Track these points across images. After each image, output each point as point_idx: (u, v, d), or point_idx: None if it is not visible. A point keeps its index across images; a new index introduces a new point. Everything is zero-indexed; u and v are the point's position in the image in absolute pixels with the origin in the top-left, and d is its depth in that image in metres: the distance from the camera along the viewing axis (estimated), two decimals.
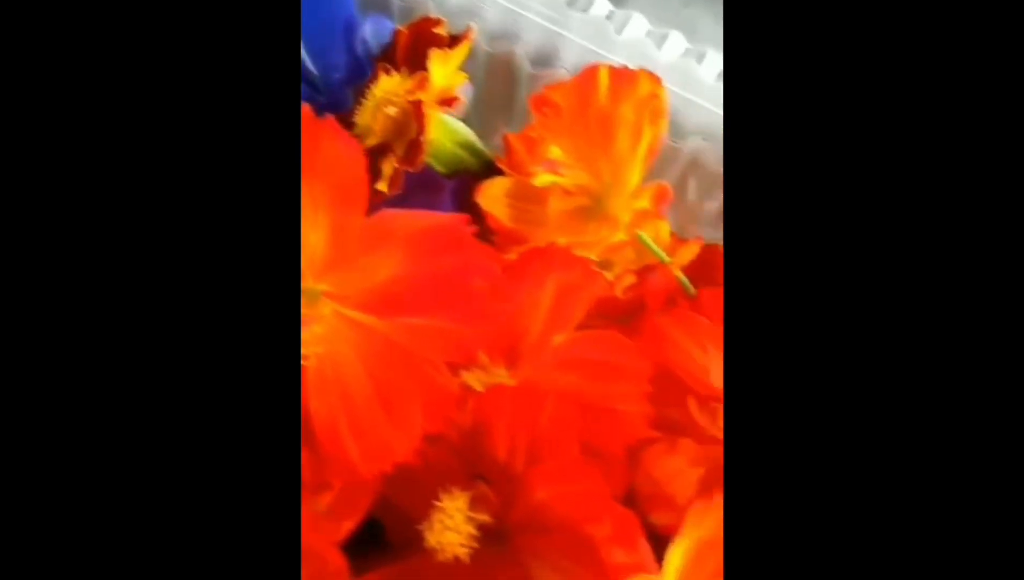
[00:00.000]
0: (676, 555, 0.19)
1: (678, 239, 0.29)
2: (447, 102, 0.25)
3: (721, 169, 0.27)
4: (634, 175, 0.24)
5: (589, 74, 0.25)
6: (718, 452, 0.24)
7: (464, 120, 0.28)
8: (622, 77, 0.24)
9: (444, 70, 0.25)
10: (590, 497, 0.20)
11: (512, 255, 0.23)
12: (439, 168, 0.27)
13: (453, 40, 0.26)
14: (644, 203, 0.23)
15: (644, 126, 0.24)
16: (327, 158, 0.21)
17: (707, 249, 0.29)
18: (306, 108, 0.20)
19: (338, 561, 0.22)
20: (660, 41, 0.30)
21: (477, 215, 0.26)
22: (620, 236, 0.22)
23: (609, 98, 0.24)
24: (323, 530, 0.23)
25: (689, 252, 0.29)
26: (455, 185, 0.26)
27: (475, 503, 0.22)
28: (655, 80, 0.24)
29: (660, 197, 0.23)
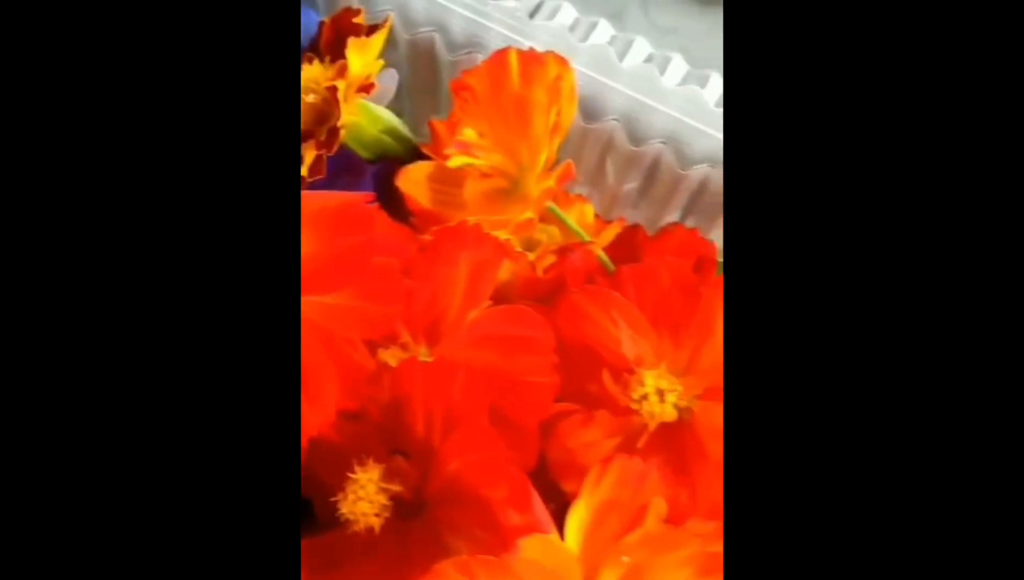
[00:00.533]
0: (576, 517, 0.20)
1: (602, 221, 0.30)
2: (365, 88, 0.25)
3: (634, 149, 0.28)
4: (545, 156, 0.24)
5: (500, 58, 0.25)
6: (632, 422, 0.24)
7: (394, 108, 0.29)
8: (532, 60, 0.25)
9: (362, 58, 0.26)
10: (490, 464, 0.21)
11: (428, 236, 0.24)
12: (363, 153, 0.27)
13: (371, 29, 0.26)
14: (551, 182, 0.23)
15: (556, 108, 0.25)
16: None
17: (628, 229, 0.30)
18: None
19: None
20: (588, 30, 0.30)
21: (398, 198, 0.26)
22: (529, 214, 0.23)
23: (521, 81, 0.25)
24: None
25: (611, 232, 0.30)
26: (377, 169, 0.27)
27: (392, 476, 0.23)
28: (563, 62, 0.24)
29: (565, 176, 0.23)
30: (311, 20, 0.28)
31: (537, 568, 0.19)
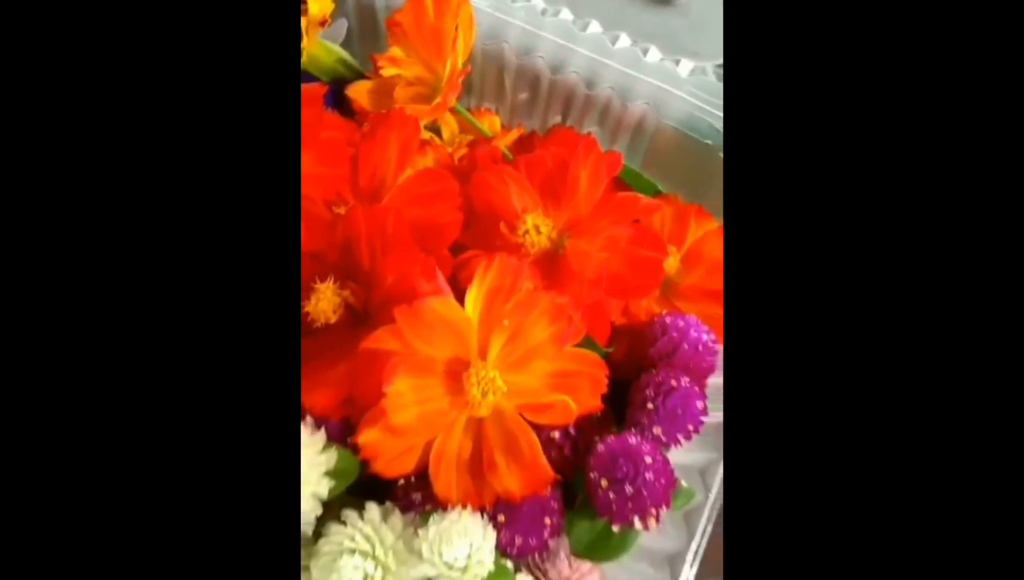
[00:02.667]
0: (471, 297, 0.27)
1: (506, 128, 0.38)
2: (322, 24, 0.33)
3: (518, 63, 0.35)
4: (451, 66, 0.32)
5: (417, 2, 0.33)
6: (519, 257, 0.32)
7: (346, 48, 0.37)
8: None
9: (319, 3, 0.33)
10: (413, 262, 0.28)
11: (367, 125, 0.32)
12: (322, 77, 0.35)
13: None
14: (452, 93, 0.31)
15: (459, 32, 0.33)
16: None
17: (524, 136, 0.38)
18: None
19: None
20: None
21: (348, 104, 0.34)
22: (438, 99, 0.31)
23: (435, 15, 0.33)
24: None
25: (512, 136, 0.37)
26: (332, 88, 0.34)
27: (346, 293, 0.30)
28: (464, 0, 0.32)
29: (453, 83, 0.31)
30: None
31: (442, 320, 0.26)
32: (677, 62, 0.35)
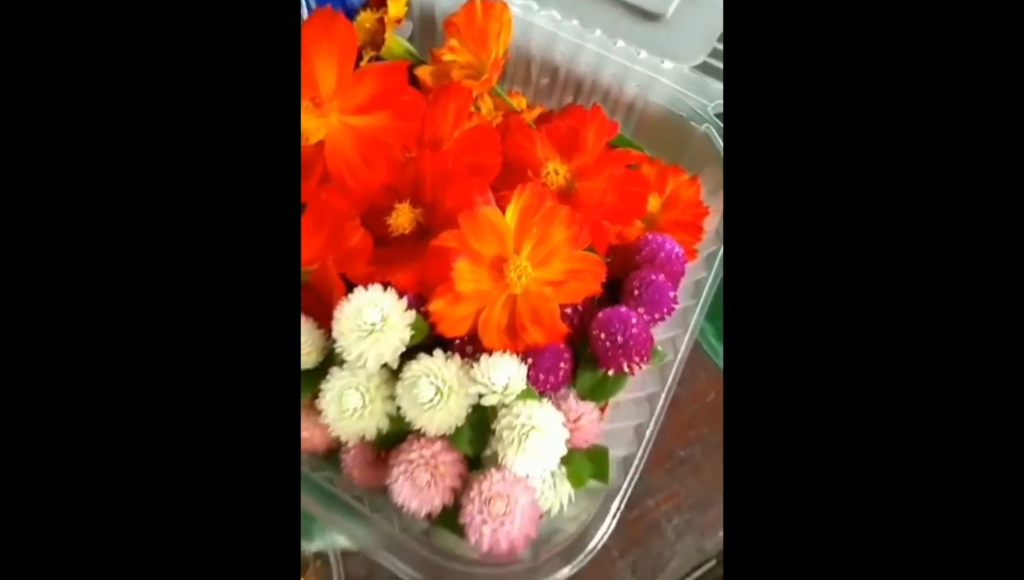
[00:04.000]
0: (510, 211, 0.37)
1: (530, 106, 0.49)
2: (397, 22, 0.44)
3: (541, 56, 0.45)
4: (493, 56, 0.43)
5: (470, 7, 0.44)
6: (538, 189, 0.42)
7: (410, 40, 0.47)
8: (488, 5, 0.43)
9: (395, 7, 0.44)
10: (470, 187, 0.38)
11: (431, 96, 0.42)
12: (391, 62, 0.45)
13: None
14: (496, 74, 0.41)
15: (501, 32, 0.43)
16: (339, 37, 0.39)
17: (544, 112, 0.48)
18: (330, 8, 0.39)
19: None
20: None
21: (416, 81, 0.44)
22: (485, 78, 0.41)
23: (483, 16, 0.43)
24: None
25: (535, 112, 0.48)
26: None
27: (417, 212, 0.40)
28: (504, 6, 0.43)
29: (496, 67, 0.42)
30: None
31: (491, 224, 0.36)
32: (662, 61, 0.45)
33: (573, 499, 0.35)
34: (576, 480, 0.36)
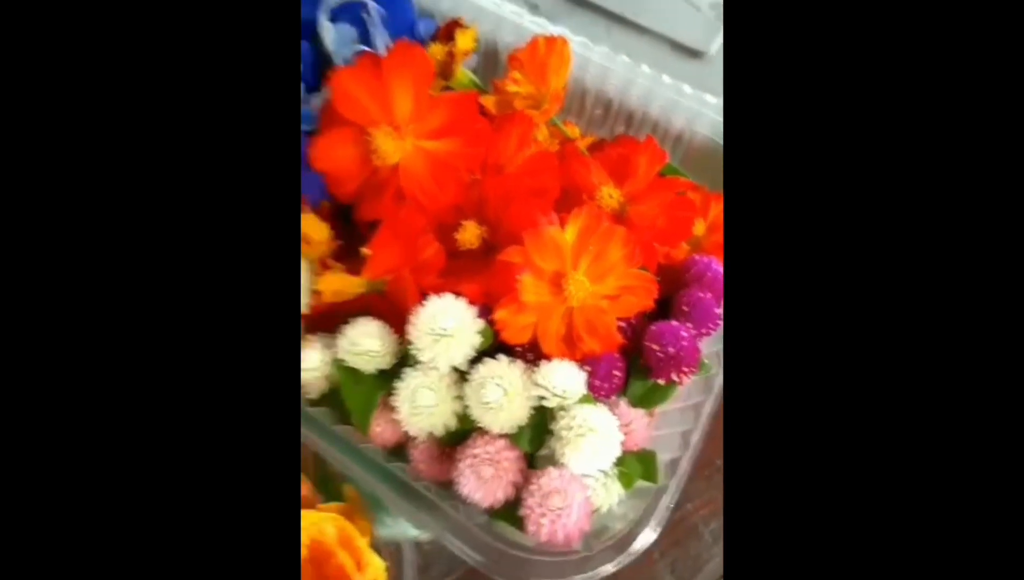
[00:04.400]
0: (569, 229, 0.40)
1: (583, 134, 0.52)
2: (466, 54, 0.47)
3: (596, 88, 0.49)
4: (553, 89, 0.46)
5: (534, 43, 0.47)
6: (595, 210, 0.45)
7: (474, 71, 0.51)
8: (549, 42, 0.47)
9: (464, 41, 0.48)
10: (534, 208, 0.41)
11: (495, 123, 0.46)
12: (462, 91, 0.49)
13: (466, 27, 0.48)
14: (556, 106, 0.45)
15: (560, 67, 0.47)
16: (417, 68, 0.42)
17: (596, 141, 0.52)
18: (409, 42, 0.43)
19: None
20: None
21: (482, 108, 0.48)
22: (546, 107, 0.44)
23: (545, 52, 0.47)
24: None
25: (588, 141, 0.51)
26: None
27: (482, 229, 0.43)
28: (565, 43, 0.46)
29: (556, 99, 0.45)
30: (431, 24, 0.51)
31: (552, 242, 0.39)
32: (705, 94, 0.49)
33: (623, 498, 0.38)
34: (626, 481, 0.38)
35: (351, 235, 0.44)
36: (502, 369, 0.37)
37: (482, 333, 0.38)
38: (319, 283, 0.39)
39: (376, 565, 0.32)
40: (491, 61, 0.50)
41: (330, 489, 0.38)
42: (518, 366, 0.37)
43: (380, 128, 0.41)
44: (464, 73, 0.47)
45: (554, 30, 0.49)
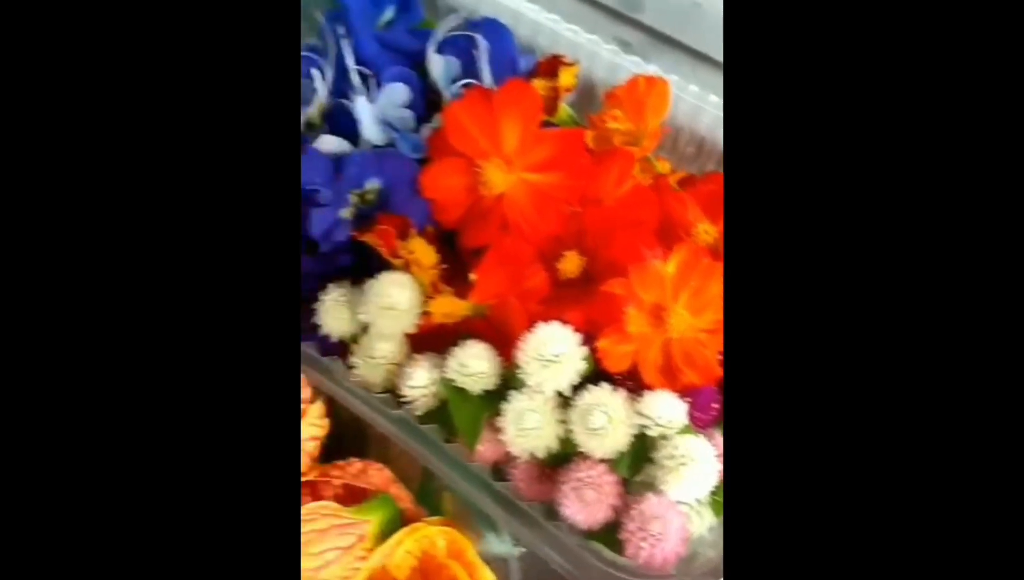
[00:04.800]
0: (671, 264, 0.42)
1: (673, 169, 0.54)
2: (568, 90, 0.49)
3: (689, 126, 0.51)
4: (651, 127, 0.48)
5: (634, 81, 0.49)
6: (695, 245, 0.46)
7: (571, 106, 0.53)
8: (649, 81, 0.48)
9: (566, 77, 0.50)
10: (637, 241, 0.43)
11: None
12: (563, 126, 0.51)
13: (569, 64, 0.50)
14: (654, 143, 0.46)
15: (659, 104, 0.48)
16: (527, 105, 0.44)
17: (686, 176, 0.53)
18: (519, 80, 0.45)
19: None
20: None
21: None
22: (639, 151, 0.46)
23: (644, 90, 0.49)
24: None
25: (678, 176, 0.53)
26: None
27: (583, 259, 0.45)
28: (665, 82, 0.48)
29: (655, 136, 0.47)
30: (531, 60, 0.53)
31: (656, 275, 0.41)
32: None
33: (714, 526, 0.39)
34: (718, 508, 0.39)
35: (452, 259, 0.45)
36: (607, 397, 0.38)
37: (585, 358, 0.39)
38: (432, 306, 0.41)
39: (488, 578, 0.33)
40: (586, 96, 0.52)
41: (431, 503, 0.40)
42: (621, 394, 0.39)
43: (491, 160, 0.43)
44: (564, 108, 0.49)
45: (649, 69, 0.50)
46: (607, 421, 0.38)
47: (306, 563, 0.31)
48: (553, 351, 0.38)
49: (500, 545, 0.36)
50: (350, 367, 0.42)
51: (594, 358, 0.40)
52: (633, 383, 0.40)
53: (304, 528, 0.32)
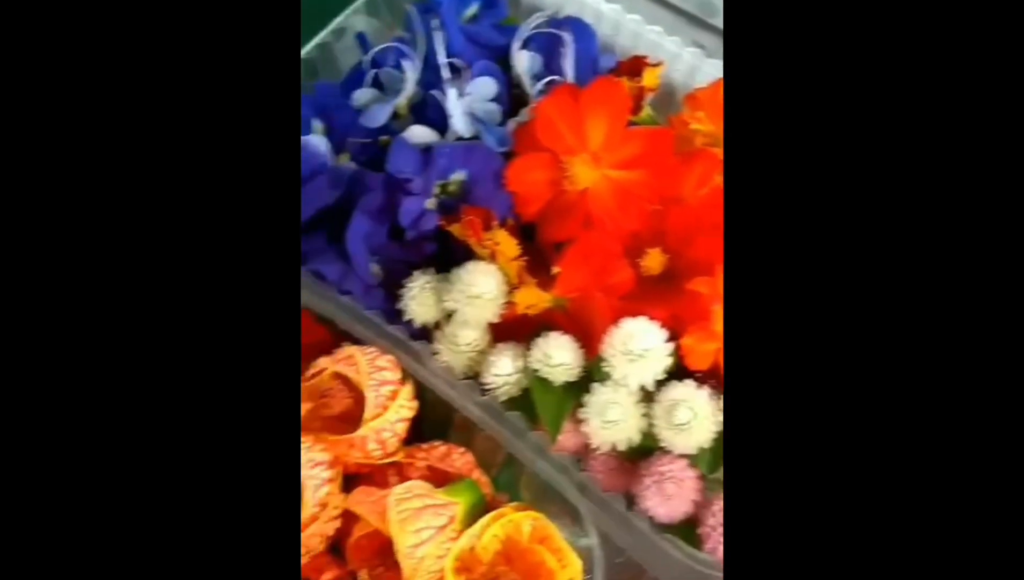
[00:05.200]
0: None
1: None
2: (651, 91, 0.50)
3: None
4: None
5: (719, 83, 0.49)
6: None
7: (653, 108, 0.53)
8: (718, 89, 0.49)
9: (650, 78, 0.50)
10: (710, 250, 0.43)
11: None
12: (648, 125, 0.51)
13: (654, 65, 0.51)
14: None
15: None
16: (616, 102, 0.44)
17: None
18: (609, 78, 0.45)
19: None
20: None
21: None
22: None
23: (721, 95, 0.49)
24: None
25: None
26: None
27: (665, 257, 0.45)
28: None
29: None
30: (611, 59, 0.53)
31: None
32: None
33: None
34: None
35: (531, 252, 0.46)
36: (691, 393, 0.39)
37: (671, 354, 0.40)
38: (517, 296, 0.42)
39: (575, 564, 0.34)
40: (665, 97, 0.53)
41: (510, 490, 0.40)
42: (704, 391, 0.39)
43: (579, 156, 0.43)
44: (645, 108, 0.50)
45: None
46: (692, 417, 0.38)
47: (403, 540, 0.32)
48: (640, 346, 0.38)
49: (579, 535, 0.37)
50: (434, 353, 0.42)
51: (677, 355, 0.40)
52: (715, 381, 0.40)
53: (399, 507, 0.33)
